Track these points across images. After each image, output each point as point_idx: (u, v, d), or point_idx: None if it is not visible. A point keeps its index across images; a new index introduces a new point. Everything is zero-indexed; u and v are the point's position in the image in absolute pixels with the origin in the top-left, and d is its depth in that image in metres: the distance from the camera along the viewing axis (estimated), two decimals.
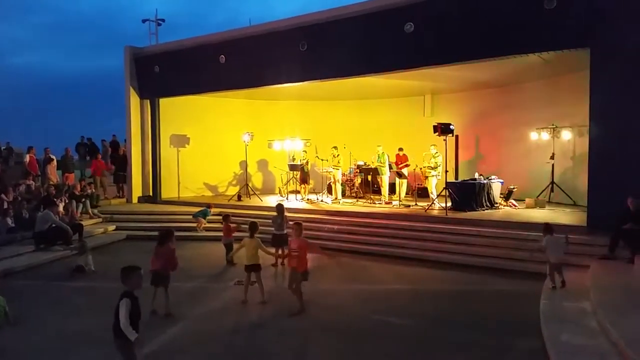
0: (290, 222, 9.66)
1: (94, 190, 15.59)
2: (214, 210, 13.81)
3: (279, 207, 10.34)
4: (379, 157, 14.55)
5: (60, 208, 12.65)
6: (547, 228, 8.10)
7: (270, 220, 10.32)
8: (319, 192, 16.24)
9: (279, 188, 16.93)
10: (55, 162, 16.21)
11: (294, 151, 17.13)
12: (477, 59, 11.24)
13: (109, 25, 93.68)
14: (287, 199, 15.60)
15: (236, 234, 10.39)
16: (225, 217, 10.79)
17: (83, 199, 14.22)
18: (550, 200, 13.62)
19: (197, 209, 13.86)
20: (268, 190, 18.13)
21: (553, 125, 13.77)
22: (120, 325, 4.31)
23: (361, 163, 15.87)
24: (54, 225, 11.32)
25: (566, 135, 13.60)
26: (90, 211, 14.35)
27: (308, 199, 15.41)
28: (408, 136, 15.98)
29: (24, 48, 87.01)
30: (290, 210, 12.68)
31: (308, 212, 13.50)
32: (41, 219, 11.31)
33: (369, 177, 15.73)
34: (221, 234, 10.72)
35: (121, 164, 17.53)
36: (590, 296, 6.87)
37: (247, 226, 8.05)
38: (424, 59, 11.66)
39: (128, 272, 4.59)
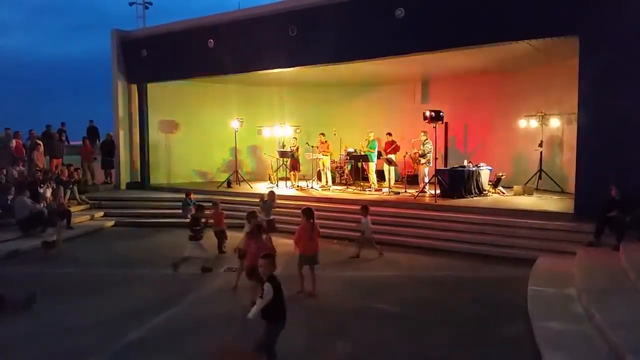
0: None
1: (81, 176, 15.44)
2: (198, 197, 13.67)
3: (270, 194, 10.38)
4: (369, 143, 14.56)
5: (48, 194, 12.53)
6: (364, 208, 9.65)
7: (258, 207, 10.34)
8: (309, 179, 16.23)
9: (269, 175, 16.88)
10: (42, 147, 15.99)
11: (283, 138, 17.08)
12: (467, 46, 11.19)
13: (95, 8, 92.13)
14: (277, 185, 15.58)
15: (226, 220, 10.34)
16: (215, 205, 10.41)
17: (71, 185, 14.09)
18: (538, 188, 13.73)
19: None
20: (258, 177, 18.07)
21: (542, 112, 13.84)
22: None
23: (351, 150, 15.87)
24: (33, 211, 11.19)
25: (555, 122, 13.68)
26: (77, 197, 14.24)
27: (298, 186, 15.40)
28: (398, 123, 16.01)
29: (7, 30, 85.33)
30: (281, 197, 12.67)
31: (298, 199, 13.49)
32: (18, 206, 11.20)
33: (359, 164, 15.74)
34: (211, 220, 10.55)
35: (109, 149, 17.35)
36: (576, 282, 6.98)
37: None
38: (414, 45, 11.60)
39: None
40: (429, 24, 11.21)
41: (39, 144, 15.90)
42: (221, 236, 9.97)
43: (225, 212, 10.73)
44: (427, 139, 13.70)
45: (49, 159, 16.34)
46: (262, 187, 14.85)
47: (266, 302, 4.52)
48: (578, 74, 9.74)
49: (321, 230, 11.31)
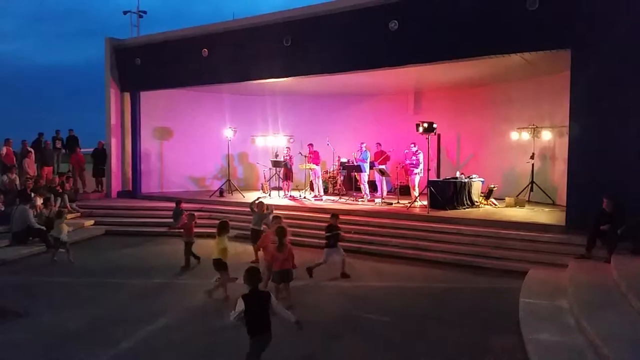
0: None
1: (72, 185, 15.34)
2: (191, 206, 13.56)
3: (258, 205, 10.34)
4: (361, 153, 14.60)
5: (39, 202, 12.42)
6: (275, 217, 9.50)
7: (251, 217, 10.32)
8: (302, 189, 16.22)
9: (262, 184, 16.86)
10: (33, 155, 15.88)
11: (277, 147, 17.08)
12: (460, 58, 11.31)
13: (89, 16, 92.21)
14: (269, 195, 15.54)
15: (205, 230, 10.19)
16: (191, 216, 10.29)
17: (62, 193, 13.97)
18: (529, 200, 13.79)
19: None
20: (250, 186, 18.04)
21: (533, 125, 13.94)
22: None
23: (344, 160, 15.89)
24: (32, 227, 11.04)
25: (546, 135, 13.78)
26: (68, 205, 14.12)
27: (291, 196, 15.37)
28: (391, 133, 16.07)
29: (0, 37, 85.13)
30: (274, 207, 12.62)
31: (290, 208, 13.46)
32: (20, 218, 11.02)
33: (352, 174, 15.75)
34: (207, 230, 10.49)
35: (100, 157, 17.26)
36: (568, 294, 6.98)
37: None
38: (407, 57, 11.68)
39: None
40: (423, 37, 11.29)
41: (30, 152, 15.81)
42: (189, 246, 9.83)
43: (217, 221, 10.67)
44: (417, 150, 13.78)
45: (40, 167, 16.20)
46: (254, 197, 14.78)
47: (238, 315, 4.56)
48: (570, 87, 9.84)
49: (312, 240, 11.41)
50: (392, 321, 6.76)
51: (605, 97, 9.37)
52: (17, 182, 14.14)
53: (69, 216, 13.77)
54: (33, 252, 10.63)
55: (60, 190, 14.08)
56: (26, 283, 8.60)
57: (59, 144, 17.71)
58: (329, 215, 12.39)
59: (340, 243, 8.98)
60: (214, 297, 7.58)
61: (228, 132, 15.64)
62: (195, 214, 11.37)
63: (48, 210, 12.32)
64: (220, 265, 7.67)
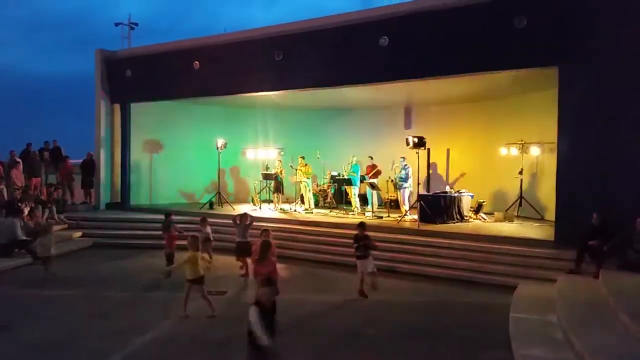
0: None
1: (60, 196, 15.18)
2: (180, 218, 13.47)
3: (243, 216, 10.33)
4: (352, 167, 14.64)
5: (25, 213, 12.27)
6: (203, 220, 10.89)
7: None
8: (293, 202, 16.20)
9: (252, 197, 16.80)
10: (21, 165, 15.70)
11: (267, 160, 17.07)
12: (449, 75, 11.44)
13: (81, 27, 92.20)
14: (259, 208, 15.50)
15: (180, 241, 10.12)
16: (169, 227, 10.38)
17: (49, 204, 13.83)
18: (518, 215, 13.87)
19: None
20: (241, 199, 17.98)
21: (522, 140, 14.07)
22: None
23: (335, 173, 15.91)
24: (17, 239, 10.92)
25: (534, 151, 13.91)
26: (56, 217, 13.96)
27: (281, 209, 15.34)
28: (382, 148, 16.12)
29: None
30: (264, 220, 12.64)
31: (281, 221, 13.42)
32: (7, 230, 10.88)
33: (342, 188, 15.76)
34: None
35: (89, 169, 17.12)
36: (557, 309, 7.01)
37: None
38: (397, 73, 11.79)
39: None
40: (412, 54, 11.40)
41: (18, 162, 15.64)
42: (170, 258, 9.78)
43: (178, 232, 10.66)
44: (406, 164, 13.84)
45: (28, 178, 16.02)
46: (244, 209, 14.74)
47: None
48: (557, 103, 9.97)
49: (302, 253, 11.38)
50: (382, 336, 6.74)
51: (593, 114, 9.51)
52: (5, 193, 13.96)
53: (57, 227, 13.61)
54: (18, 265, 10.49)
55: (47, 202, 13.92)
56: (10, 295, 8.48)
57: (47, 155, 17.54)
58: (319, 229, 12.53)
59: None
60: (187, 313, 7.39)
61: (219, 145, 15.61)
62: (181, 226, 11.35)
63: (33, 222, 12.17)
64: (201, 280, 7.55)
